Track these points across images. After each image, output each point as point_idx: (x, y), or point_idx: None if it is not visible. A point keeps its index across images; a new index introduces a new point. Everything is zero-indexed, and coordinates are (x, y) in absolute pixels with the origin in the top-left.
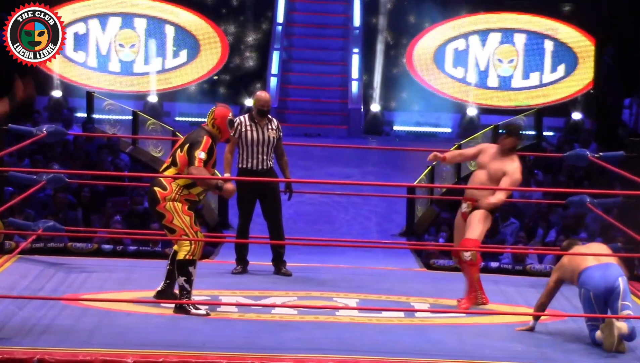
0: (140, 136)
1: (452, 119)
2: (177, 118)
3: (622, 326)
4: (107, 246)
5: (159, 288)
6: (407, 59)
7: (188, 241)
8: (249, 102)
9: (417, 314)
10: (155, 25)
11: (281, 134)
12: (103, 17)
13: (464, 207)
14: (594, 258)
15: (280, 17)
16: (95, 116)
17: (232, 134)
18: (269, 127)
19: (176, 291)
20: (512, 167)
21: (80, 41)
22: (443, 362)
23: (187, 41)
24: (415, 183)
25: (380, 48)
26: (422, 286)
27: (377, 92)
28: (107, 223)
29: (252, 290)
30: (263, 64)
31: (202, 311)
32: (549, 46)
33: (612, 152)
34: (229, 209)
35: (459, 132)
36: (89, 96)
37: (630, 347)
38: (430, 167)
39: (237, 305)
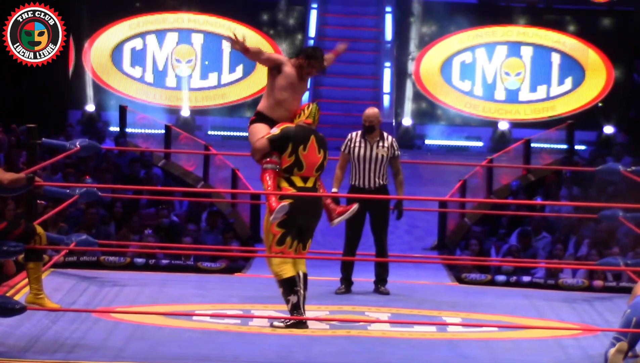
0: (172, 150)
1: (484, 133)
2: (209, 132)
3: None
4: (139, 260)
5: None
6: (414, 72)
7: None
8: None
9: (449, 328)
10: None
11: (397, 152)
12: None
13: None
14: None
15: (312, 31)
16: (128, 130)
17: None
18: (380, 144)
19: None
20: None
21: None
22: None
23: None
24: (447, 196)
25: (410, 62)
26: (454, 300)
27: (408, 106)
28: (139, 237)
29: (283, 304)
30: None
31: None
32: (555, 59)
33: None
34: (260, 223)
35: (490, 146)
36: (122, 109)
37: None
38: (462, 181)
39: (270, 318)
